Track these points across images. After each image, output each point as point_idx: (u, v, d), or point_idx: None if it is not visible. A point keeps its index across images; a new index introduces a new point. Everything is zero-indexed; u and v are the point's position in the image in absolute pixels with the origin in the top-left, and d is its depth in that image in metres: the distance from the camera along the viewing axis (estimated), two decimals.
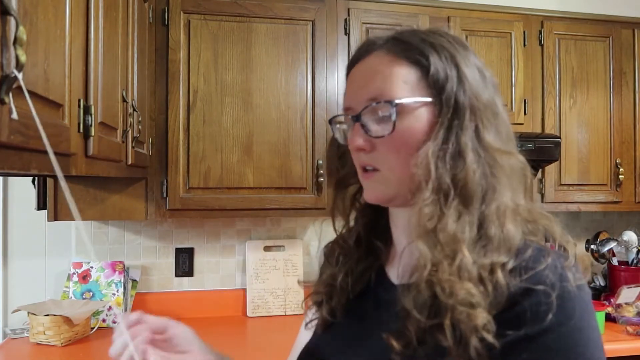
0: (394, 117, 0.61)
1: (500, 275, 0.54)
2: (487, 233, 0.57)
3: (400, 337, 0.57)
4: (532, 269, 0.55)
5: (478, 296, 0.53)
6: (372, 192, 0.66)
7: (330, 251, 0.77)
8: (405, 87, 0.61)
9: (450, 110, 0.60)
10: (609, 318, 1.92)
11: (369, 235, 0.73)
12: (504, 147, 0.61)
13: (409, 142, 0.61)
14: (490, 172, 0.59)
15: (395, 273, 0.68)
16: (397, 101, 0.61)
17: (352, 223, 0.75)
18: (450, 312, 0.53)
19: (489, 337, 0.52)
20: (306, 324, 0.76)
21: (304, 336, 0.80)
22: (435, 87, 0.61)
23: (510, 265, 0.55)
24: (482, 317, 0.52)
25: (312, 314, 0.75)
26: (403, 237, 0.68)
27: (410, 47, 0.63)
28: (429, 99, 0.61)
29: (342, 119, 0.70)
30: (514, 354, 0.52)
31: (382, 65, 0.63)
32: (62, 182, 0.51)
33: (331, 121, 0.73)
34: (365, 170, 0.66)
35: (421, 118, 0.61)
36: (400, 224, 0.68)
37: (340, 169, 0.74)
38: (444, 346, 0.54)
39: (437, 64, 0.61)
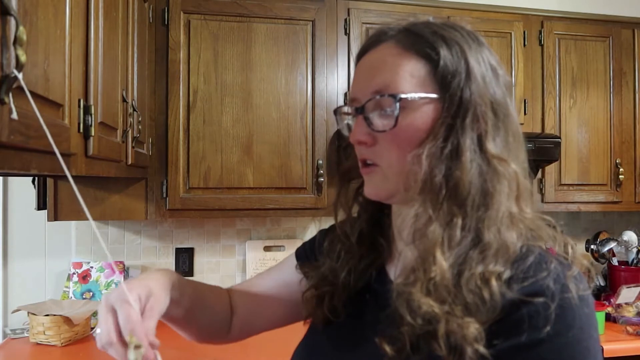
0: (396, 112, 0.58)
1: (495, 284, 0.52)
2: (485, 239, 0.55)
3: (394, 342, 0.55)
4: (533, 277, 0.53)
5: (440, 313, 0.52)
6: (372, 188, 0.64)
7: (331, 245, 0.75)
8: (412, 81, 0.59)
9: (454, 107, 0.57)
10: (609, 318, 1.92)
11: (371, 232, 0.71)
12: (503, 152, 0.58)
13: (410, 138, 0.59)
14: (489, 176, 0.57)
15: (394, 272, 0.67)
16: (401, 96, 0.58)
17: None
18: (445, 321, 0.51)
19: (481, 349, 0.50)
20: (304, 321, 0.76)
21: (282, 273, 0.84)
22: (442, 83, 0.58)
23: (508, 273, 0.53)
24: (473, 328, 0.50)
25: (311, 307, 0.73)
26: (403, 236, 0.66)
27: (421, 39, 0.60)
28: (435, 95, 0.59)
29: (347, 109, 0.67)
30: None
31: (391, 56, 0.61)
32: (72, 183, 0.51)
33: (336, 112, 0.70)
34: (365, 164, 0.64)
35: (425, 115, 0.59)
36: (400, 222, 0.67)
37: (344, 161, 0.72)
38: (438, 355, 0.52)
39: (447, 58, 0.58)
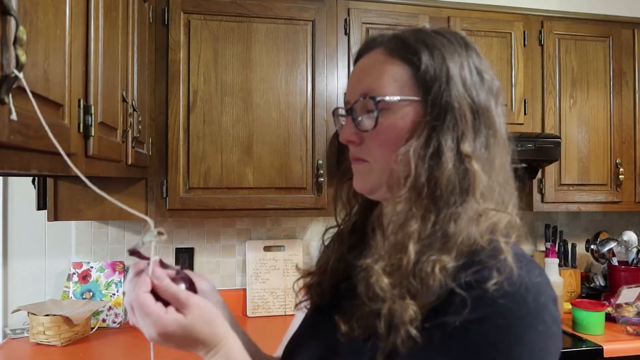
0: (375, 113, 0.63)
1: (439, 272, 0.54)
2: (450, 233, 0.57)
3: (348, 320, 0.60)
4: (480, 266, 0.54)
5: (388, 295, 0.55)
6: (358, 181, 0.68)
7: (330, 238, 0.80)
8: (394, 84, 0.63)
9: (435, 110, 0.61)
10: (609, 318, 1.92)
11: (365, 225, 0.74)
12: (482, 152, 0.61)
13: (392, 138, 0.62)
14: (464, 175, 0.59)
15: None
16: (378, 98, 0.63)
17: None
18: (391, 301, 0.55)
19: (413, 331, 0.53)
20: (296, 305, 0.79)
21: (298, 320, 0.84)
22: (423, 86, 0.62)
23: (460, 262, 0.55)
24: (412, 310, 0.54)
25: (302, 295, 0.78)
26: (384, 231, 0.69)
27: (405, 45, 0.64)
28: (416, 98, 0.62)
29: (342, 111, 0.73)
30: (441, 339, 0.53)
31: (378, 62, 0.66)
32: (85, 179, 0.51)
33: (334, 112, 0.75)
34: (355, 159, 0.69)
35: (406, 116, 0.62)
36: (379, 216, 0.70)
37: (343, 161, 0.76)
38: (378, 332, 0.56)
39: (427, 63, 0.62)
